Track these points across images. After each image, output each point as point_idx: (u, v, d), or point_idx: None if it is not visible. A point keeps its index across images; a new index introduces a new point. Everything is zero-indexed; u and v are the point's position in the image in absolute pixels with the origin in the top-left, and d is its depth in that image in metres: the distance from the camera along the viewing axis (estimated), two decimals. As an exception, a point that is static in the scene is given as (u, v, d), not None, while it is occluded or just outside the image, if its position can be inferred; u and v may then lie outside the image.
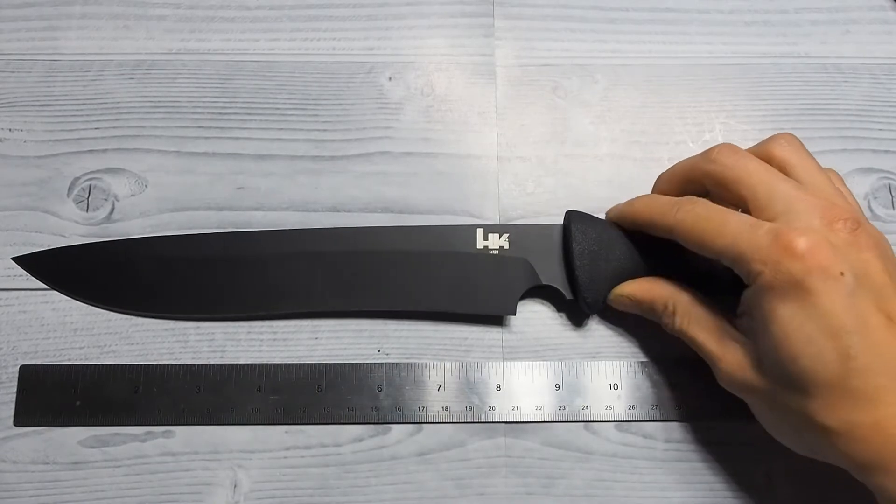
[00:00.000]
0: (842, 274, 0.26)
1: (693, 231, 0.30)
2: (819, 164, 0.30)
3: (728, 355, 0.29)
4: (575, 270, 0.33)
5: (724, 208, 0.29)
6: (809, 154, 0.31)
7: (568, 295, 0.34)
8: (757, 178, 0.29)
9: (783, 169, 0.30)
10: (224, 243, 0.36)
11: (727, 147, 0.31)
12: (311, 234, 0.36)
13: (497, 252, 0.35)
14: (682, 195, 0.32)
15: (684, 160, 0.34)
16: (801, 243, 0.26)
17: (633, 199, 0.34)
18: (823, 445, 0.27)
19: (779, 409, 0.28)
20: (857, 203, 0.31)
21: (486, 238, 0.35)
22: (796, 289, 0.26)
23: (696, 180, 0.32)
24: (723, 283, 0.31)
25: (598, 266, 0.33)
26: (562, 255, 0.35)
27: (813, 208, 0.28)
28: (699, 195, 0.32)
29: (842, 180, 0.32)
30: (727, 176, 0.30)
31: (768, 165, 0.30)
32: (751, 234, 0.28)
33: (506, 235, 0.35)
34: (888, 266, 0.27)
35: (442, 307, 0.35)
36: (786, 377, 0.27)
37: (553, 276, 0.35)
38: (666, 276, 0.33)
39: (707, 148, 0.32)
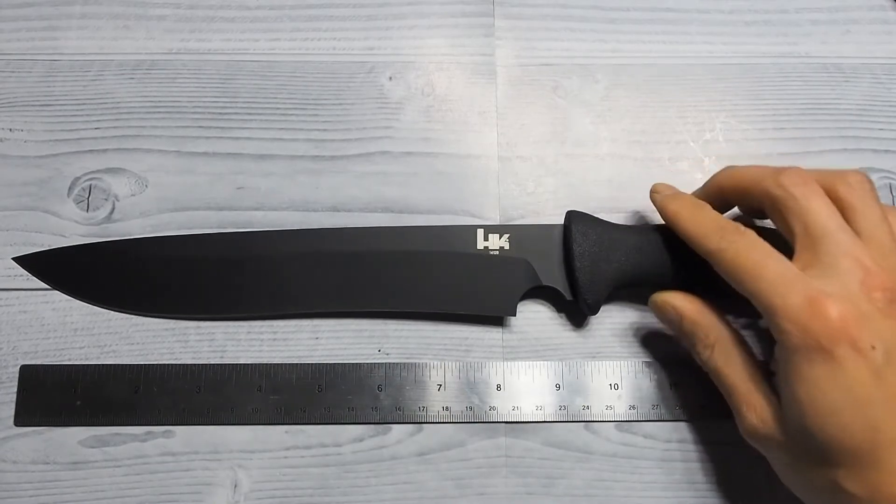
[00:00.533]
0: (873, 347, 0.25)
1: (731, 265, 0.29)
2: (883, 213, 0.29)
3: (757, 407, 0.29)
4: (575, 272, 0.33)
5: (768, 249, 0.28)
6: (876, 200, 0.29)
7: (568, 296, 0.34)
8: (814, 218, 0.28)
9: (845, 211, 0.29)
10: (224, 243, 0.36)
11: (797, 175, 0.29)
12: (312, 234, 0.36)
13: (497, 252, 0.35)
14: (736, 203, 0.32)
15: (752, 169, 0.31)
16: (833, 311, 0.25)
17: (679, 200, 0.32)
18: None
19: (802, 470, 0.28)
20: None
21: (486, 238, 0.35)
22: (824, 356, 0.25)
23: (756, 196, 0.31)
24: (724, 292, 0.30)
25: (598, 267, 0.33)
26: (562, 256, 0.35)
27: (855, 270, 0.27)
28: (752, 209, 0.31)
29: None
30: (788, 206, 0.29)
31: (831, 206, 0.28)
32: (785, 291, 0.27)
33: (506, 236, 0.35)
34: None
35: (442, 308, 0.35)
36: (812, 442, 0.26)
37: (553, 276, 0.34)
38: (666, 280, 0.33)
39: (769, 165, 0.31)
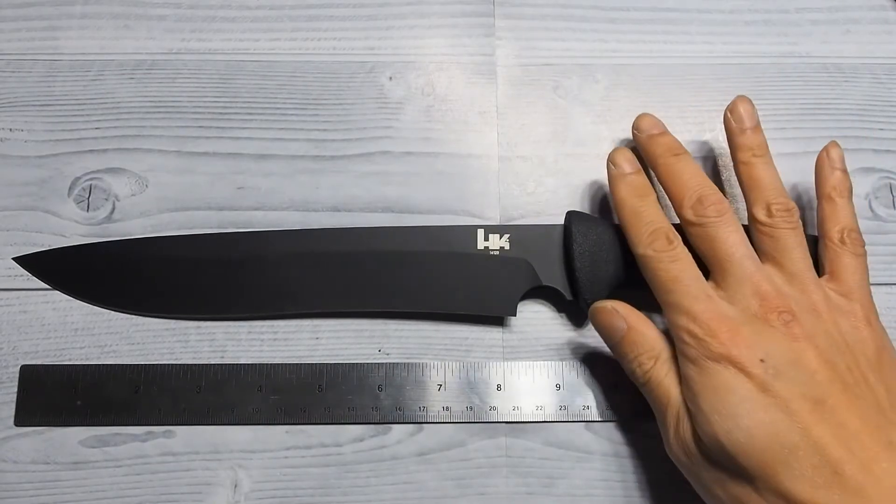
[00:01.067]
0: (762, 360, 0.27)
1: (652, 273, 0.31)
2: (799, 240, 0.31)
3: (682, 421, 0.30)
4: (575, 272, 0.33)
5: (687, 265, 0.31)
6: (793, 226, 0.31)
7: (568, 296, 0.34)
8: (720, 246, 0.30)
9: (760, 235, 0.31)
10: (224, 243, 0.36)
11: (713, 204, 0.31)
12: (312, 234, 0.36)
13: (497, 253, 0.35)
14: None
15: (682, 179, 0.33)
16: (724, 330, 0.28)
17: (627, 185, 0.33)
18: None
19: (722, 487, 0.28)
20: (854, 280, 0.31)
21: (486, 238, 0.35)
22: (718, 368, 0.28)
23: (676, 212, 0.32)
24: None
25: (598, 267, 0.33)
26: (562, 256, 0.35)
27: (754, 296, 0.29)
28: None
29: (856, 254, 0.31)
30: (699, 233, 0.31)
31: (743, 236, 0.31)
32: (690, 306, 0.29)
33: (506, 236, 0.35)
34: (830, 356, 0.28)
35: (442, 308, 0.35)
36: (722, 449, 0.27)
37: (553, 276, 0.35)
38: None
39: (697, 181, 0.32)
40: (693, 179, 0.32)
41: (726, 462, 0.27)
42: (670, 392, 0.30)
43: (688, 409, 0.29)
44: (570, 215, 0.35)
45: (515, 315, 0.35)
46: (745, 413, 0.27)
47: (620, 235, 0.34)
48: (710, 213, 0.31)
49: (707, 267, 0.31)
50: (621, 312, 0.32)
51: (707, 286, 0.30)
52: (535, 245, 0.35)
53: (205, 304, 0.35)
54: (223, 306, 0.35)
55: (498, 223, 0.37)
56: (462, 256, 0.35)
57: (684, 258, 0.31)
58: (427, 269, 0.35)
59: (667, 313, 0.30)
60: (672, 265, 0.31)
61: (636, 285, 0.34)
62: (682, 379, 0.30)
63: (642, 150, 0.35)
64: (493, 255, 0.35)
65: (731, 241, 0.30)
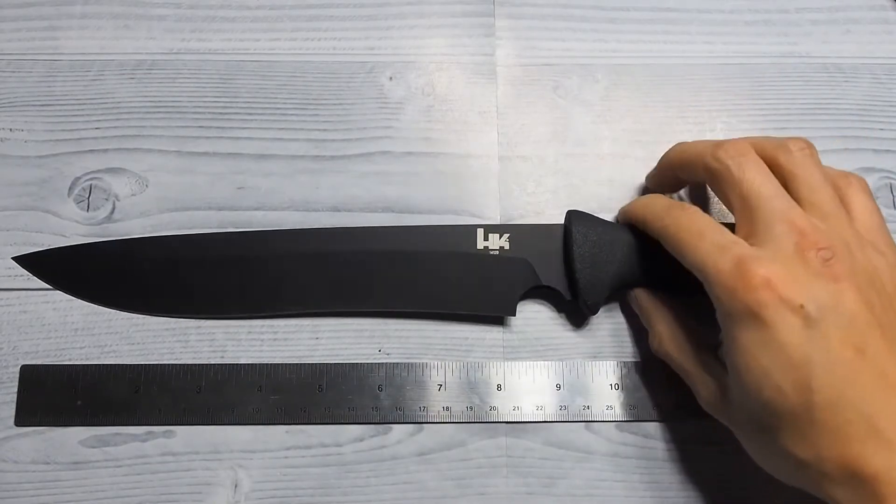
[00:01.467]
0: (801, 306, 0.25)
1: (673, 240, 0.30)
2: (824, 176, 0.29)
3: (708, 383, 0.30)
4: (575, 272, 0.33)
5: (707, 220, 0.29)
6: (816, 164, 0.29)
7: (568, 296, 0.34)
8: (749, 188, 0.28)
9: (785, 178, 0.29)
10: (224, 243, 0.36)
11: (734, 147, 0.30)
12: (312, 233, 0.36)
13: (497, 252, 0.35)
14: (686, 179, 0.34)
15: (696, 144, 0.32)
16: (760, 273, 0.26)
17: (638, 198, 0.35)
18: (801, 477, 0.26)
19: (757, 441, 0.28)
20: (874, 220, 0.29)
21: (486, 238, 0.35)
22: (754, 319, 0.26)
23: (698, 171, 0.31)
24: None
25: (598, 268, 0.33)
26: (562, 256, 0.35)
27: (790, 233, 0.27)
28: (700, 184, 0.32)
29: (864, 191, 0.30)
30: (724, 177, 0.29)
31: (769, 176, 0.29)
32: (717, 257, 0.27)
33: (506, 236, 0.35)
34: (869, 297, 0.26)
35: (442, 307, 0.35)
36: (753, 407, 0.27)
37: (553, 276, 0.34)
38: (667, 280, 0.33)
39: (714, 140, 0.32)
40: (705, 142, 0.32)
41: (757, 417, 0.27)
42: (683, 364, 0.31)
43: (718, 372, 0.29)
44: (571, 215, 0.35)
45: (515, 315, 0.35)
46: (778, 367, 0.25)
47: (621, 235, 0.34)
48: (732, 152, 0.29)
49: (736, 220, 0.29)
50: (635, 296, 0.34)
51: (734, 236, 0.28)
52: (535, 245, 0.35)
53: (204, 303, 0.35)
54: (222, 306, 0.35)
55: (498, 223, 0.37)
56: (462, 256, 0.35)
57: (703, 216, 0.29)
58: (426, 269, 0.35)
59: (698, 276, 0.28)
60: (692, 223, 0.29)
61: (637, 285, 0.34)
62: (722, 339, 0.28)
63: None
64: (493, 254, 0.35)
65: (759, 181, 0.28)
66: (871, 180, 0.38)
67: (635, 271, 0.33)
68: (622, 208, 0.35)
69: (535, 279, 0.35)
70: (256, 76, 0.39)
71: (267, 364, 0.35)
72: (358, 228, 0.37)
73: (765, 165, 0.29)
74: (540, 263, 0.35)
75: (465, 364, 0.35)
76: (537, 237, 0.35)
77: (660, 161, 0.35)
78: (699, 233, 0.29)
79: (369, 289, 0.35)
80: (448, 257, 0.35)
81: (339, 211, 0.37)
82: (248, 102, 0.39)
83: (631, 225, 0.34)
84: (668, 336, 0.32)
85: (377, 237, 0.36)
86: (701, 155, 0.31)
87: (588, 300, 0.33)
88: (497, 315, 0.36)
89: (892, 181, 0.38)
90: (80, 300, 0.36)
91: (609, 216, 0.37)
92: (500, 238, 0.35)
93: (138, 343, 0.36)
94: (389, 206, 0.38)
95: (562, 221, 0.35)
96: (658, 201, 0.32)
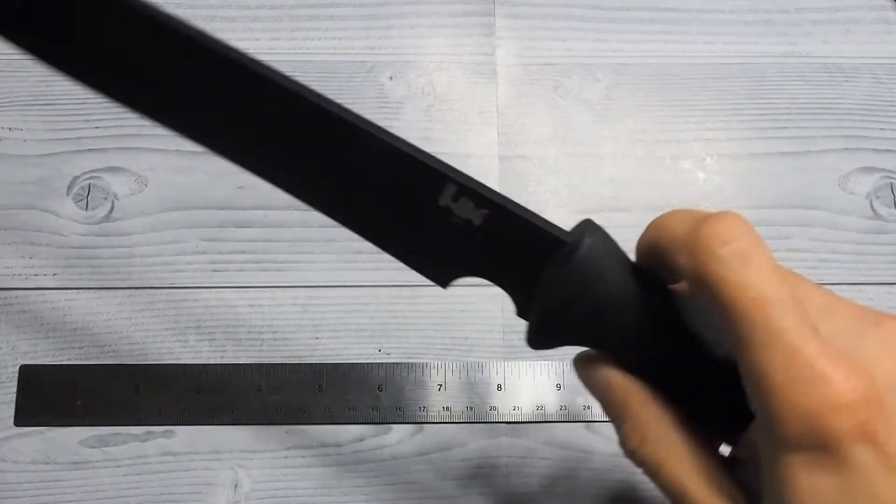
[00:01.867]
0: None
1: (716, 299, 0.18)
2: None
3: None
4: (531, 311, 0.23)
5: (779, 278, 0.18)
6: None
7: (514, 308, 0.24)
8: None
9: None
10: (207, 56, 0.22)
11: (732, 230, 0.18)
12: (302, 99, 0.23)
13: (460, 223, 0.23)
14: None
15: (675, 225, 0.20)
16: (852, 388, 0.17)
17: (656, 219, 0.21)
18: None
19: None
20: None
21: (455, 199, 0.24)
22: (832, 456, 0.17)
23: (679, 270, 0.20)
24: (718, 399, 0.21)
25: (568, 314, 0.22)
26: (537, 268, 0.23)
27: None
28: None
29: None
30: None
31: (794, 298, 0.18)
32: (791, 361, 0.17)
33: (484, 212, 0.23)
34: None
35: (366, 224, 0.25)
36: None
37: (511, 283, 0.24)
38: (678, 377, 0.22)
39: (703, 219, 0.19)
40: None
41: None
42: (678, 480, 0.22)
43: (736, 499, 0.21)
44: (585, 244, 0.22)
45: (445, 287, 0.25)
46: None
47: (628, 289, 0.21)
48: (737, 263, 0.18)
49: None
50: (601, 368, 0.22)
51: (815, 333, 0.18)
52: (517, 239, 0.23)
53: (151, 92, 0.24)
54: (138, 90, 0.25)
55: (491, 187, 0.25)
56: (420, 203, 0.25)
57: (764, 251, 0.18)
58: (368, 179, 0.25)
59: (751, 383, 0.18)
60: (751, 270, 0.18)
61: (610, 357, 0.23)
62: (760, 459, 0.19)
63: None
64: (454, 222, 0.24)
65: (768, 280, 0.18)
66: (873, 179, 0.38)
67: (625, 346, 0.22)
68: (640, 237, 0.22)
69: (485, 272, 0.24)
70: (256, 76, 0.39)
71: (267, 364, 0.35)
72: (352, 120, 0.24)
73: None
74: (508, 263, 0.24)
75: (465, 364, 0.35)
76: (526, 233, 0.23)
77: (638, 246, 0.22)
78: (768, 300, 0.17)
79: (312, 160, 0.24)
80: (397, 184, 0.25)
81: (339, 210, 0.37)
82: (248, 102, 0.39)
83: (646, 270, 0.22)
84: (654, 434, 0.22)
85: (358, 136, 0.25)
86: (675, 250, 0.20)
87: (532, 340, 0.23)
88: (429, 280, 0.25)
89: (893, 181, 0.38)
90: (80, 295, 0.36)
91: (610, 216, 0.37)
92: (474, 209, 0.23)
93: (138, 343, 0.35)
94: (389, 205, 0.37)
95: (562, 222, 0.23)
96: (679, 220, 0.20)
